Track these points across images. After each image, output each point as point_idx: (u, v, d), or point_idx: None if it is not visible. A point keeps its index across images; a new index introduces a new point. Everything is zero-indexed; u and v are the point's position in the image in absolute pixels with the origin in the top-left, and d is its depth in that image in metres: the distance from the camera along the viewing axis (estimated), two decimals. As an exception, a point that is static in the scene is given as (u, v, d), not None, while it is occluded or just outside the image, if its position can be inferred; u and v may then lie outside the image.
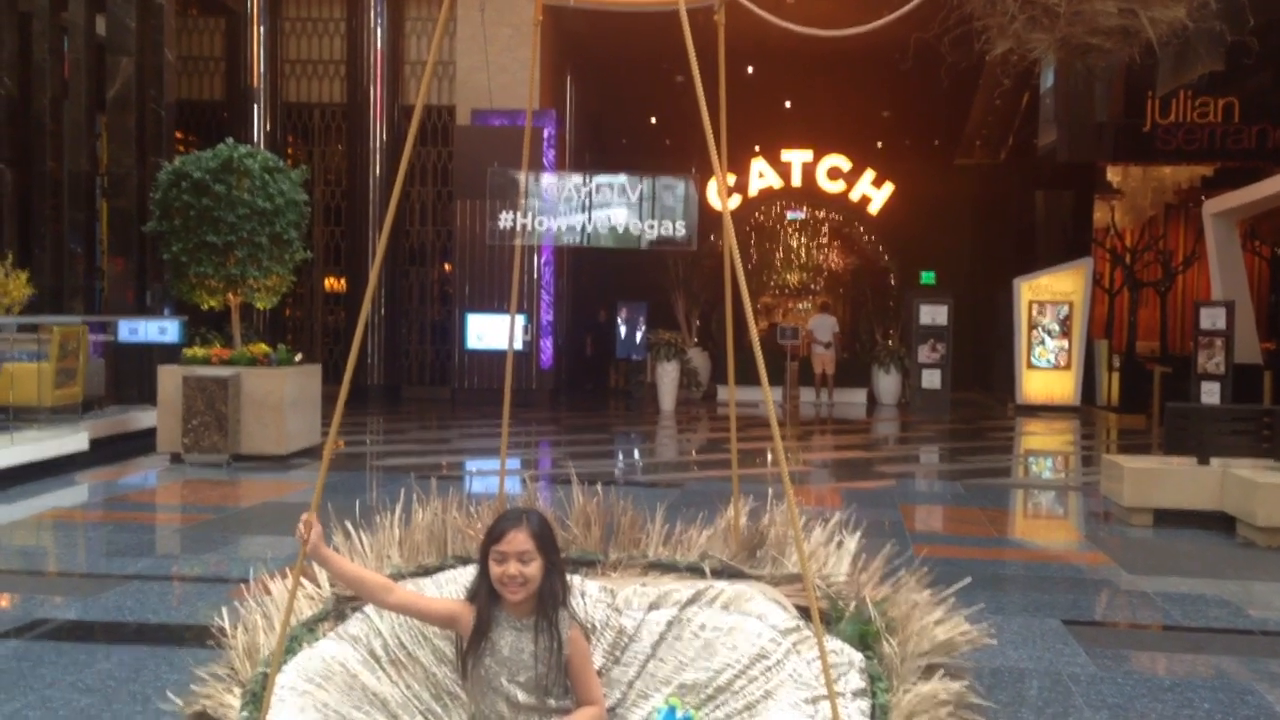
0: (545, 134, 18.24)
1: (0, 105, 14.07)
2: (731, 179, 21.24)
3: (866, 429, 16.87)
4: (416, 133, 3.30)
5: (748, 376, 17.10)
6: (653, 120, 26.03)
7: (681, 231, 12.58)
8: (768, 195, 22.85)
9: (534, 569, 2.96)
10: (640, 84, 23.30)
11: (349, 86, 19.20)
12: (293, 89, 19.47)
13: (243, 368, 11.25)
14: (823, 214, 23.13)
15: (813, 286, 23.76)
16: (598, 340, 21.75)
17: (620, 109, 25.04)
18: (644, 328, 20.88)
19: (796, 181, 22.70)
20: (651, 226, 12.78)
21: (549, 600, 2.97)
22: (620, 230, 12.83)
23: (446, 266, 19.79)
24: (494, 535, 2.99)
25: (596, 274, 23.36)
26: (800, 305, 24.43)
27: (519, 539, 2.96)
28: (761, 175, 22.67)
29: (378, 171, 18.98)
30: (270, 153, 12.48)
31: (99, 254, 15.70)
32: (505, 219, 13.74)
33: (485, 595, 2.99)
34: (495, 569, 2.97)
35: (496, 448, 12.64)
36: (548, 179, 13.71)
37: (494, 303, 18.39)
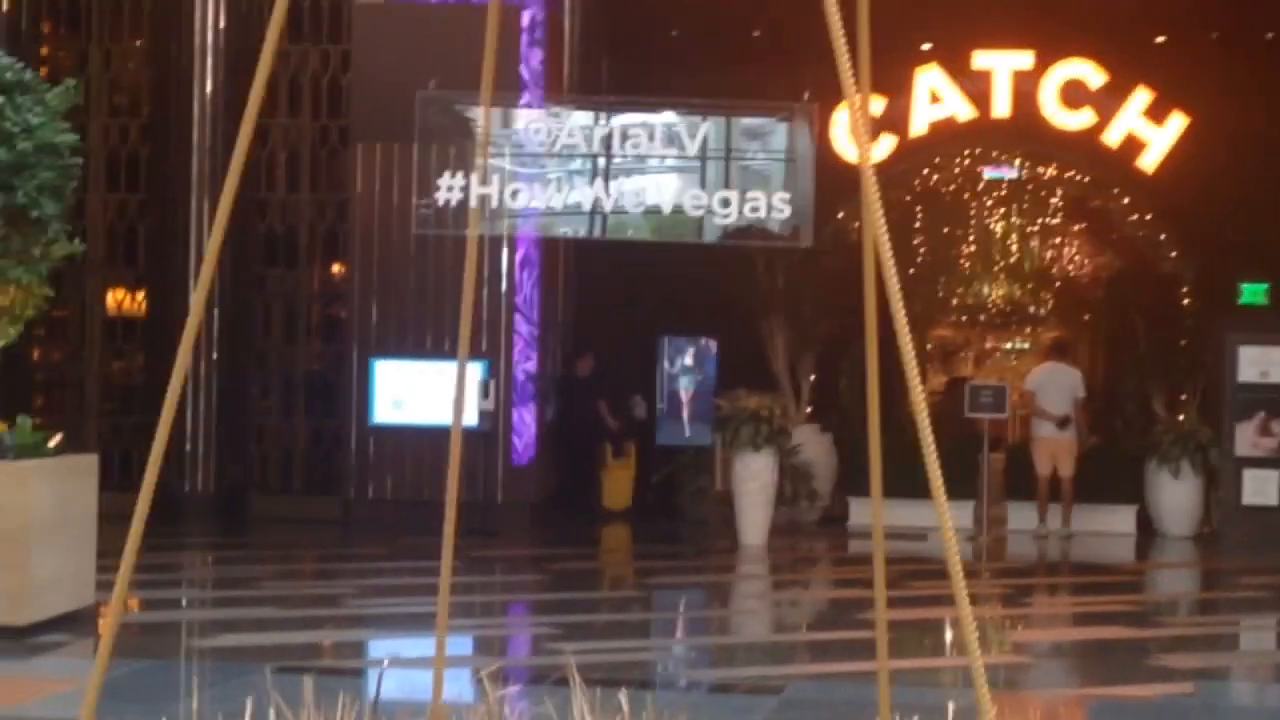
0: (526, 20, 18.46)
1: None
2: (878, 106, 21.38)
3: (1136, 583, 16.80)
4: (284, 18, 3.42)
5: (907, 482, 17.07)
6: (728, -7, 26.25)
7: (782, 212, 12.61)
8: (947, 136, 22.96)
9: None
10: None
11: (156, -70, 19.56)
12: (52, -64, 19.86)
13: (-48, 462, 11.40)
14: (1053, 171, 23.21)
15: (1035, 310, 23.77)
16: (619, 410, 21.73)
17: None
18: (708, 384, 20.91)
19: (1002, 110, 22.80)
20: (726, 203, 12.80)
21: None
22: (666, 210, 12.91)
23: (335, 269, 19.97)
24: None
25: (623, 287, 23.46)
26: (1011, 346, 24.40)
27: None
28: (936, 99, 22.81)
29: (208, 90, 19.27)
30: (7, 56, 12.65)
31: None
32: (448, 186, 13.82)
33: None
34: None
35: (428, 617, 12.66)
36: (530, 115, 13.88)
37: (425, 339, 18.57)
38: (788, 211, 12.78)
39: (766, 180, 12.97)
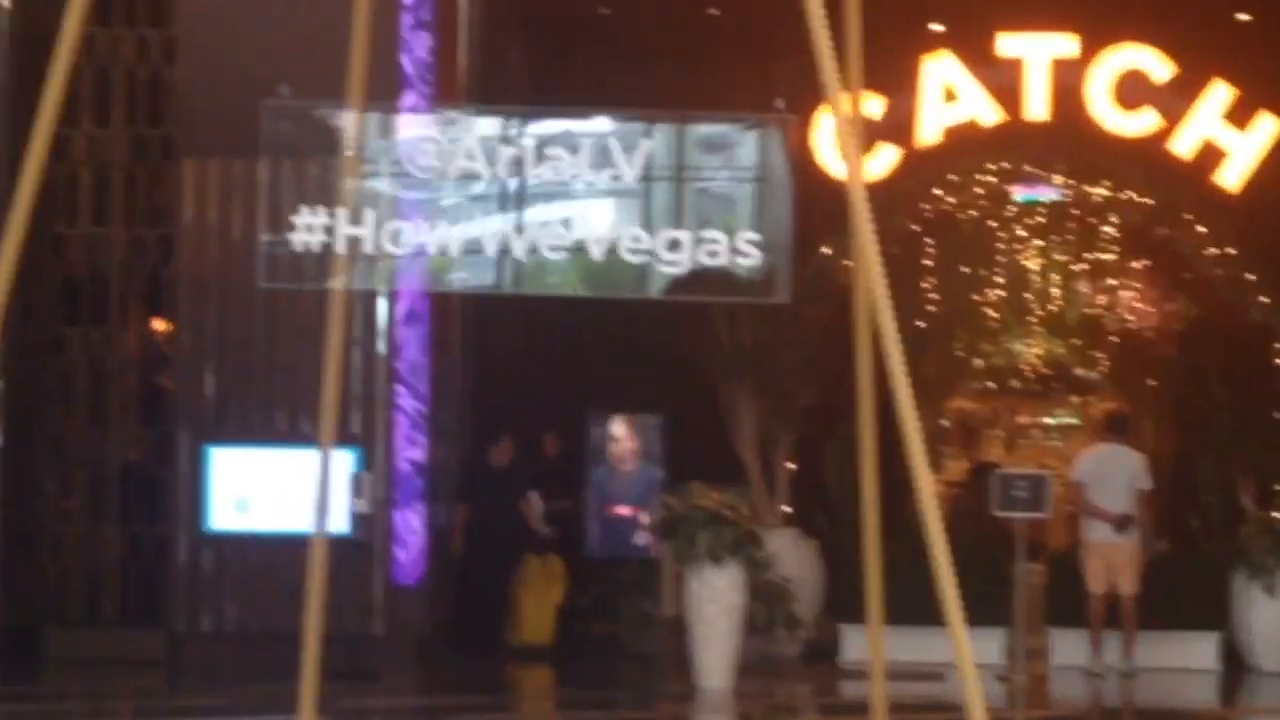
0: (408, -2, 18.58)
1: None
2: (875, 107, 21.50)
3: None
4: None
5: (914, 604, 17.02)
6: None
7: (749, 256, 12.56)
8: (966, 144, 23.15)
9: None
10: None
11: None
12: None
13: None
14: (1104, 192, 23.38)
15: (1083, 374, 23.94)
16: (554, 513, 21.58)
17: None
18: (653, 475, 20.96)
19: (1037, 111, 23.01)
20: (675, 245, 12.80)
21: None
22: (595, 253, 12.91)
23: (158, 327, 19.94)
24: None
25: (539, 348, 23.52)
26: (1052, 420, 24.57)
27: None
28: (951, 97, 23.00)
29: (-15, 86, 19.30)
30: None
31: None
32: (307, 225, 13.78)
33: None
34: None
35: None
36: (415, 124, 13.87)
37: (276, 420, 18.56)
38: (758, 256, 12.77)
39: (727, 208, 12.99)
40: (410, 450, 19.20)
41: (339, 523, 17.53)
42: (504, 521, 20.47)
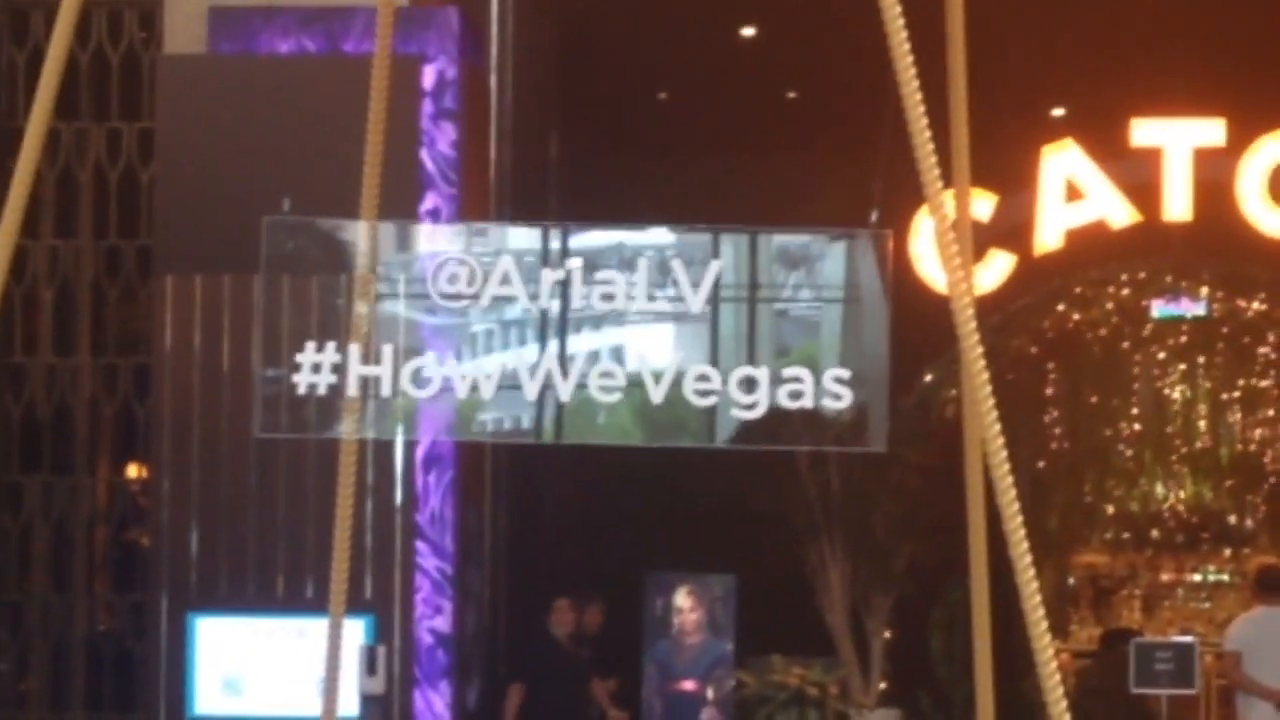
0: (430, 80, 18.75)
1: None
2: (985, 208, 21.54)
3: None
4: (57, 83, 3.42)
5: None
6: (744, 34, 26.51)
7: (839, 396, 12.55)
8: (1095, 251, 23.19)
9: None
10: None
11: None
12: None
13: None
14: (1260, 306, 23.37)
15: (1236, 521, 23.89)
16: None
17: (648, 8, 25.45)
18: (723, 648, 20.97)
19: (1179, 210, 23.03)
20: (751, 386, 12.80)
21: None
22: (653, 394, 12.92)
23: (131, 473, 20.01)
24: None
25: (585, 495, 23.54)
26: (1201, 578, 24.50)
27: None
28: (1076, 194, 23.04)
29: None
30: None
31: None
32: (312, 364, 13.82)
33: None
34: None
35: None
36: (439, 237, 13.92)
37: (272, 586, 18.57)
38: (848, 396, 12.74)
39: (813, 334, 13.00)
40: (433, 618, 19.18)
41: (348, 706, 17.55)
42: (572, 704, 20.38)
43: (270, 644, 18.41)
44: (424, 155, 18.52)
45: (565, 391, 12.88)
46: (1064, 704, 3.48)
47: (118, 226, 20.03)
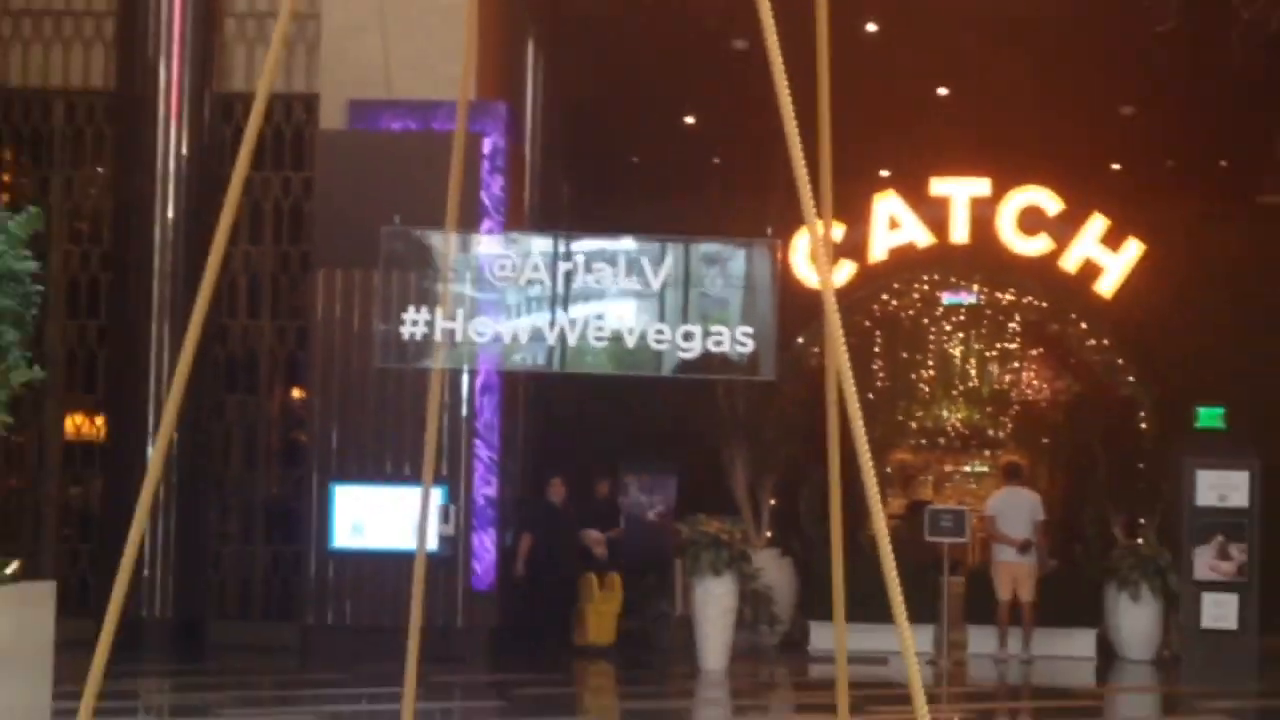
0: (488, 148, 18.57)
1: None
2: (839, 233, 21.48)
3: (1096, 708, 16.79)
4: (253, 146, 3.46)
5: (868, 606, 16.99)
6: (687, 121, 26.39)
7: (744, 345, 12.62)
8: (906, 261, 23.18)
9: None
10: (664, 56, 23.51)
11: (121, 58, 19.71)
12: (15, 63, 19.92)
13: (-92, 591, 11.34)
14: (1010, 296, 23.41)
15: (993, 434, 23.88)
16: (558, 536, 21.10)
17: (628, 102, 25.27)
18: (661, 507, 20.98)
19: (960, 236, 23.04)
20: (688, 336, 12.85)
21: None
22: (627, 342, 12.93)
23: (297, 395, 20.01)
24: None
25: (583, 415, 23.50)
26: (970, 469, 24.48)
27: None
28: (895, 225, 23.04)
29: (170, 216, 19.30)
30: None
31: None
32: (412, 320, 13.82)
33: None
34: None
35: (387, 746, 12.62)
36: (492, 243, 13.92)
37: (385, 465, 18.53)
38: (750, 345, 12.84)
39: (726, 308, 13.02)
40: (485, 488, 19.10)
41: (431, 543, 17.55)
42: (562, 547, 20.26)
43: (381, 503, 18.36)
44: (483, 195, 18.42)
45: (570, 340, 12.95)
46: (888, 545, 3.52)
47: (288, 237, 19.93)
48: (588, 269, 13.49)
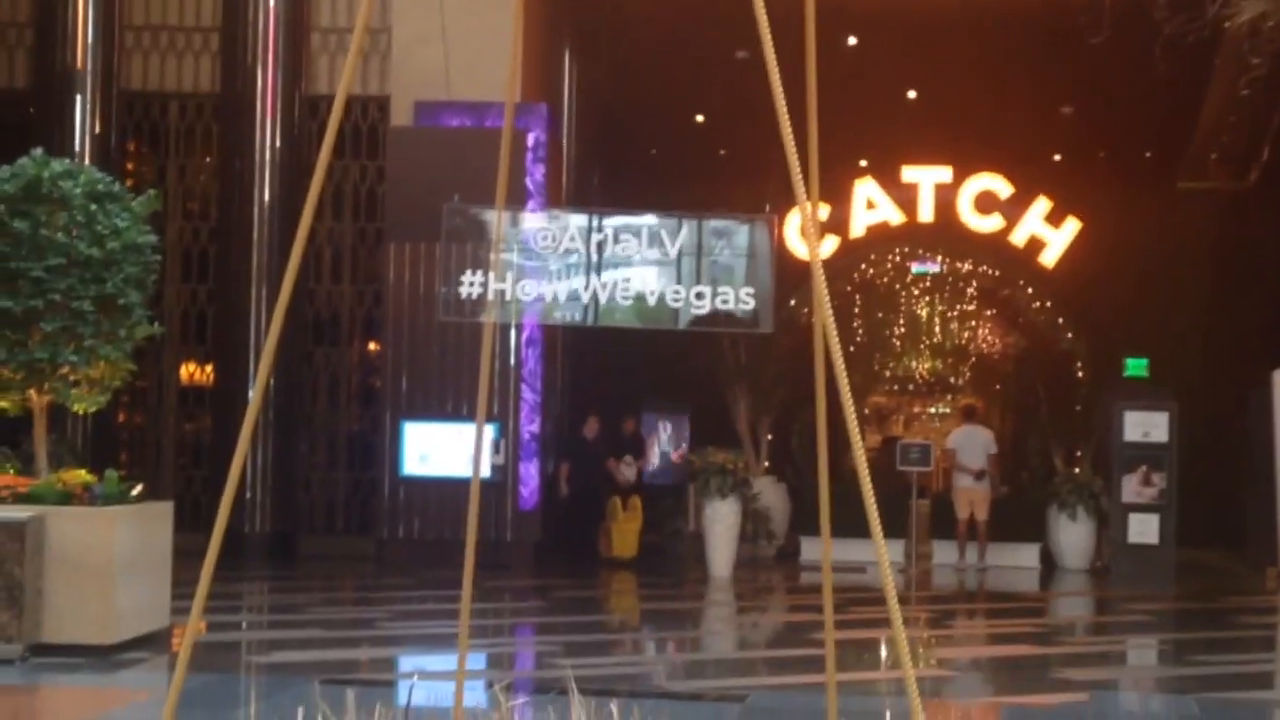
0: (531, 141, 18.49)
1: None
2: (825, 212, 21.45)
3: (1040, 609, 16.77)
4: (334, 139, 3.45)
5: (849, 524, 17.04)
6: (698, 119, 26.31)
7: (746, 302, 12.67)
8: (881, 237, 23.09)
9: None
10: (678, 64, 23.46)
11: (224, 66, 19.65)
12: (136, 71, 19.88)
13: (50, 508, 11.34)
14: (969, 266, 23.33)
15: (954, 381, 23.81)
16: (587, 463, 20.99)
17: (648, 104, 25.20)
18: (684, 445, 21.00)
19: (926, 215, 22.93)
20: (700, 295, 12.89)
21: None
22: (649, 301, 12.98)
23: (371, 346, 19.95)
24: None
25: (611, 363, 23.47)
26: (934, 410, 24.42)
27: None
28: (872, 206, 22.94)
29: (266, 198, 19.27)
30: (100, 170, 12.73)
31: None
32: (468, 282, 13.87)
33: None
34: None
35: (449, 636, 12.61)
36: (535, 219, 13.94)
37: (447, 406, 18.50)
38: (752, 303, 12.85)
39: (732, 274, 13.05)
40: (530, 425, 19.07)
41: (485, 470, 17.56)
42: (593, 475, 20.21)
43: (443, 437, 18.36)
44: (527, 180, 18.37)
45: (601, 300, 12.94)
46: (866, 472, 3.49)
47: (365, 216, 19.91)
48: (616, 240, 13.52)
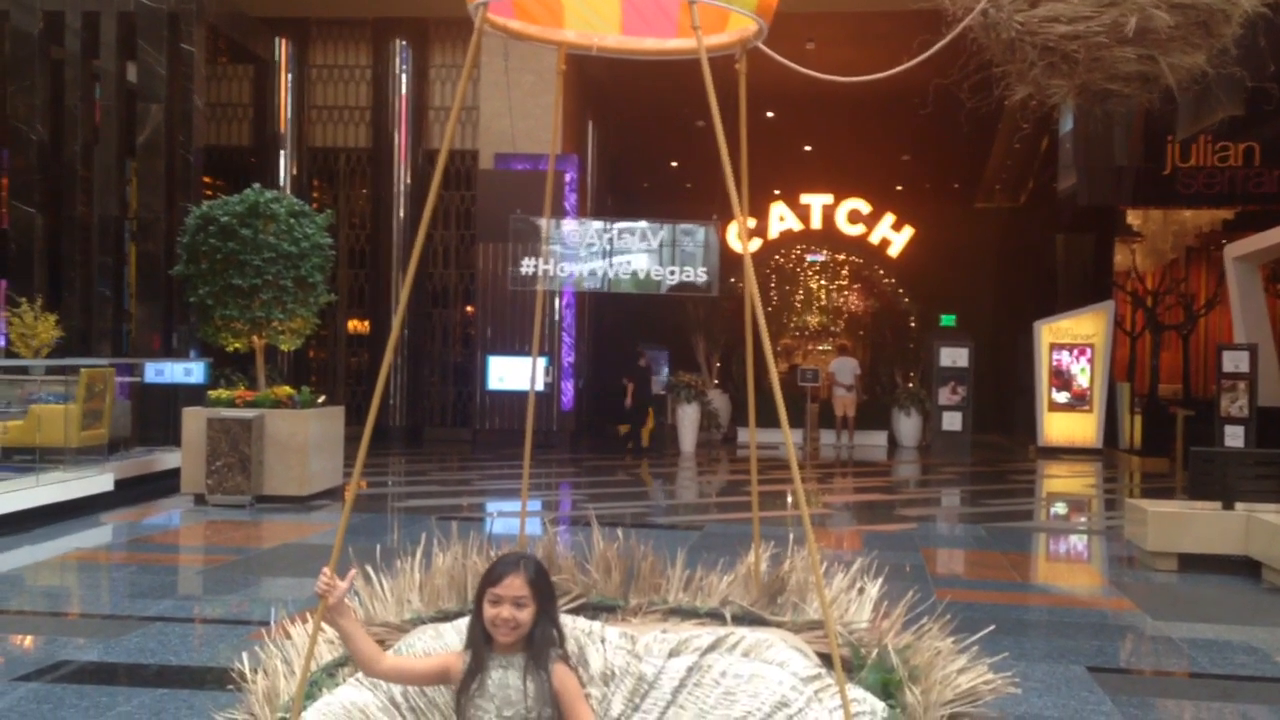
0: (567, 178, 18.33)
1: (32, 151, 14.31)
2: (752, 222, 21.14)
3: (887, 471, 16.77)
4: (441, 177, 3.34)
5: (768, 418, 17.00)
6: (673, 164, 26.16)
7: (702, 277, 12.65)
8: (788, 238, 22.92)
9: (526, 614, 2.96)
10: (661, 129, 23.40)
11: (374, 131, 19.40)
12: (319, 134, 19.68)
13: (266, 410, 11.29)
14: (843, 257, 23.17)
15: (833, 329, 23.74)
16: (639, 386, 19.06)
17: (641, 154, 25.17)
18: (665, 370, 20.93)
19: (817, 224, 22.77)
20: (673, 272, 12.85)
21: (540, 645, 2.97)
22: (641, 276, 12.90)
23: (469, 309, 19.84)
24: (491, 578, 2.99)
25: (618, 317, 23.41)
26: (820, 348, 24.39)
27: (515, 584, 2.96)
28: (782, 219, 22.75)
29: (401, 215, 19.13)
30: (296, 197, 12.66)
31: (127, 297, 15.85)
32: (527, 264, 13.78)
33: (479, 636, 2.99)
34: (489, 610, 2.96)
35: (517, 490, 12.62)
36: (569, 225, 13.78)
37: (515, 345, 18.41)
38: (705, 277, 12.78)
39: (694, 259, 12.95)
40: (568, 358, 18.99)
41: (539, 386, 17.47)
42: (646, 388, 18.77)
43: (513, 365, 18.24)
44: (565, 203, 18.24)
45: (611, 275, 12.77)
46: (778, 386, 3.38)
47: (464, 225, 19.72)
48: (620, 238, 13.46)
